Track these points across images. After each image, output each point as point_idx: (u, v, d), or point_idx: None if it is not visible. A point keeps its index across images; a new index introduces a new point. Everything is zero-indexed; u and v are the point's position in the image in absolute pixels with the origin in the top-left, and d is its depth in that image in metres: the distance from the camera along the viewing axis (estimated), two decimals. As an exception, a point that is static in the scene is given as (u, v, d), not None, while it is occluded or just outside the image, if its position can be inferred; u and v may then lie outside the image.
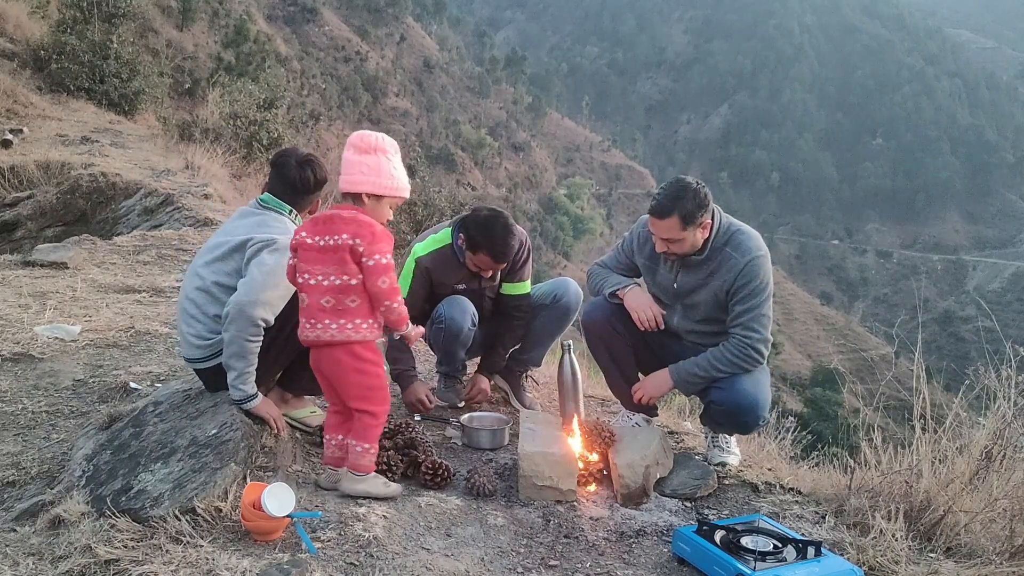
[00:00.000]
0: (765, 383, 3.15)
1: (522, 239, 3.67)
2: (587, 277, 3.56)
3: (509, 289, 3.78)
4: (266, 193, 3.10)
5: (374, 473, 2.72)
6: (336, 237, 2.59)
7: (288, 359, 3.08)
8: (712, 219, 3.08)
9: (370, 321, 2.64)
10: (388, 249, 2.61)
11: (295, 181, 3.06)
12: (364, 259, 2.57)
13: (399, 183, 2.71)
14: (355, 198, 2.66)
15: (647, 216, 3.24)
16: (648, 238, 3.23)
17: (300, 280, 2.66)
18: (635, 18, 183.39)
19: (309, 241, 2.63)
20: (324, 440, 2.80)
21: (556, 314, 3.82)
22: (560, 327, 3.89)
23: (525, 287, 3.79)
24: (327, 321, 2.60)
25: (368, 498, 2.67)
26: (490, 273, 3.63)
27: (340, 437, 2.75)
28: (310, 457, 3.02)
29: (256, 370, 2.88)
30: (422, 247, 3.64)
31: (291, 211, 3.08)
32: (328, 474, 2.77)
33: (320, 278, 2.61)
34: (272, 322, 2.86)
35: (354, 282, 2.60)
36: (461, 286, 3.66)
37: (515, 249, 3.57)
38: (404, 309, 2.67)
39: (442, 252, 3.61)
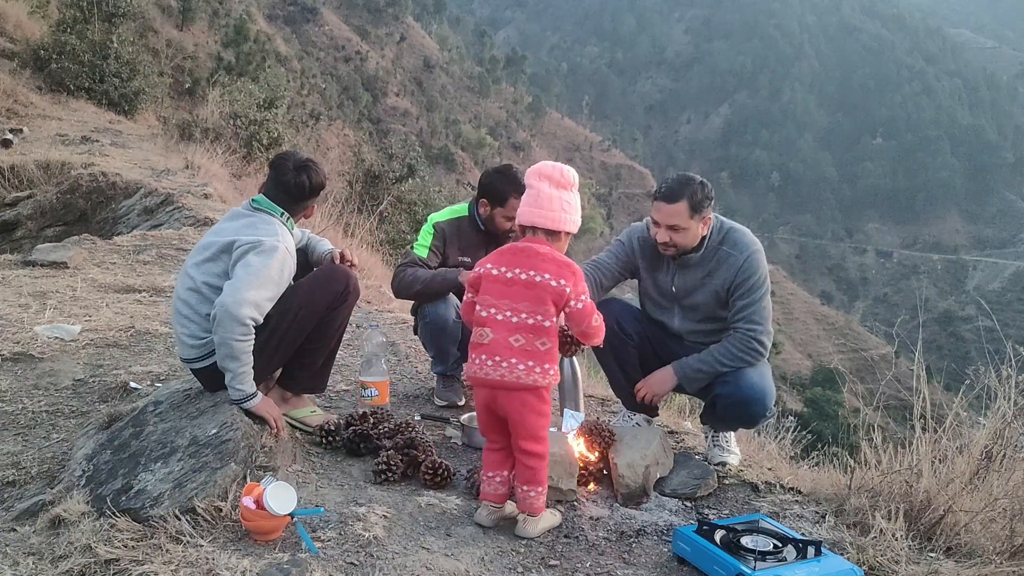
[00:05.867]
0: (769, 376, 3.17)
1: None
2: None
3: None
4: (260, 195, 3.10)
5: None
6: (535, 274, 2.52)
7: (284, 358, 3.09)
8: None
9: (555, 367, 2.57)
10: (586, 286, 2.60)
11: (290, 186, 3.05)
12: (572, 302, 2.53)
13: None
14: (550, 233, 2.60)
15: (641, 224, 3.30)
16: (649, 242, 3.23)
17: (483, 314, 2.56)
18: (635, 18, 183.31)
19: (495, 273, 2.56)
20: (484, 477, 2.67)
21: None
22: None
23: None
24: (514, 361, 2.49)
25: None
26: None
27: (505, 473, 2.63)
28: (310, 457, 3.02)
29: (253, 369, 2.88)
30: (439, 215, 3.76)
31: (283, 214, 3.06)
32: (490, 511, 2.64)
33: (509, 314, 2.52)
34: (260, 321, 2.85)
35: (548, 324, 2.51)
36: (467, 259, 3.69)
37: None
38: (604, 331, 2.69)
39: (459, 221, 3.71)
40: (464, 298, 2.71)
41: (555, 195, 2.58)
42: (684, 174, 3.14)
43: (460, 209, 3.75)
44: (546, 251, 2.56)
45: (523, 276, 2.53)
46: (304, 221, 3.25)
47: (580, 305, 2.56)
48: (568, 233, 2.64)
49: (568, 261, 2.58)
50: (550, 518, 2.67)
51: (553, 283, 2.51)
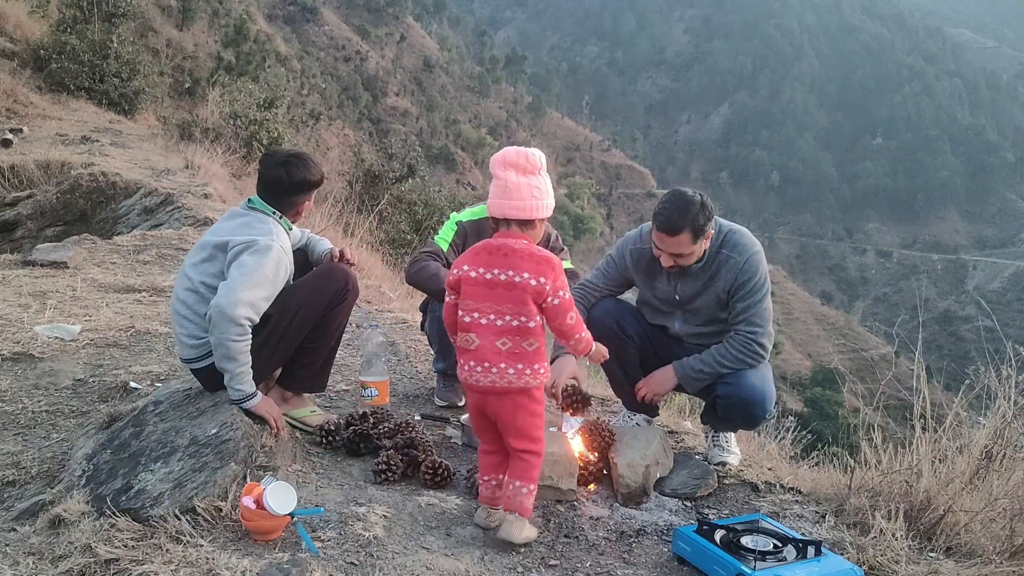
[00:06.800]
0: (770, 377, 3.16)
1: (550, 232, 3.76)
2: None
3: None
4: (255, 195, 3.10)
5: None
6: (514, 274, 2.43)
7: (284, 357, 3.09)
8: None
9: (545, 365, 2.51)
10: (565, 281, 2.50)
11: (270, 181, 3.03)
12: (550, 298, 2.44)
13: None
14: (523, 223, 2.50)
15: (633, 233, 3.29)
16: (643, 253, 3.21)
17: (467, 319, 2.48)
18: (635, 18, 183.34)
19: (473, 275, 2.47)
20: (480, 481, 2.64)
21: None
22: None
23: None
24: (503, 366, 2.43)
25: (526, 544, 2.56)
26: None
27: (501, 476, 2.58)
28: (310, 457, 3.02)
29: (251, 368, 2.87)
30: (462, 214, 3.77)
31: (276, 212, 3.05)
32: (489, 513, 2.60)
33: (493, 317, 2.44)
34: (256, 321, 2.85)
35: (532, 324, 2.44)
36: None
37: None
38: (588, 335, 2.59)
39: (481, 222, 3.68)
40: (445, 300, 2.63)
41: (523, 182, 2.47)
42: (681, 196, 2.98)
43: (481, 211, 3.72)
44: (523, 247, 2.47)
45: (503, 277, 2.45)
46: (300, 220, 3.23)
47: (557, 301, 2.47)
48: (542, 220, 2.54)
49: (547, 255, 2.47)
50: (531, 529, 2.60)
51: (533, 282, 2.43)
